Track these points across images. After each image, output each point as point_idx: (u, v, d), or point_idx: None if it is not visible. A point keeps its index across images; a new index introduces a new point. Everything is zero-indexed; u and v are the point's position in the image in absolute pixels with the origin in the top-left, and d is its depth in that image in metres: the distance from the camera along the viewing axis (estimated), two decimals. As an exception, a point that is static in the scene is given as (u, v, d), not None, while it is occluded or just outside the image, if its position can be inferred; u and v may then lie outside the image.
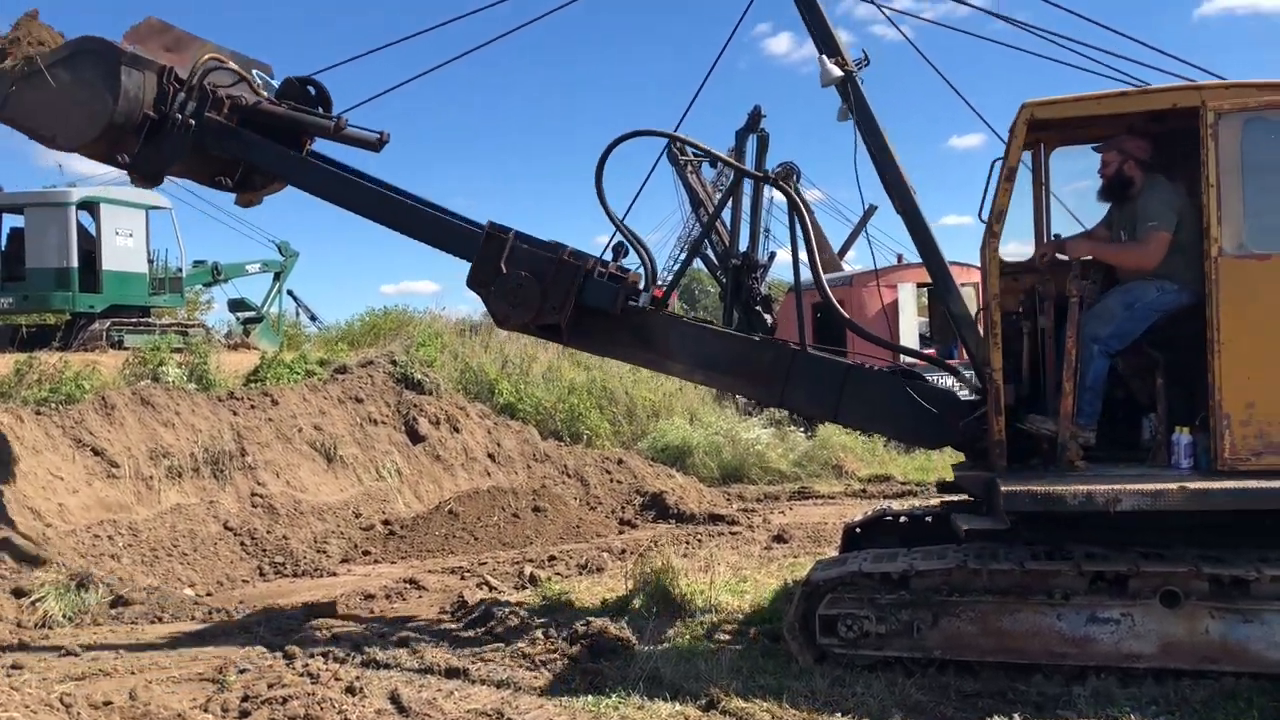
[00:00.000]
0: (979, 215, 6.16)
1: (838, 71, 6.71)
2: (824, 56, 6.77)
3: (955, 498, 7.09)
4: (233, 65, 7.81)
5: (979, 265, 6.25)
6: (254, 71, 8.01)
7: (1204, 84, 5.68)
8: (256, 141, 7.55)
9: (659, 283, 6.97)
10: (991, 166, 6.02)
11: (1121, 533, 5.56)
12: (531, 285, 6.80)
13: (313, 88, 7.77)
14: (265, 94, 7.87)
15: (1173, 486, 5.22)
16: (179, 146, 7.46)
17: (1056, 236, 6.49)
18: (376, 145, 7.77)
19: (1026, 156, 6.39)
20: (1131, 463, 5.87)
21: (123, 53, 7.24)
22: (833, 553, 7.96)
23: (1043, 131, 6.30)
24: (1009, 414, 5.87)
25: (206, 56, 7.63)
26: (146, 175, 7.65)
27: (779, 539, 10.55)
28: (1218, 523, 5.47)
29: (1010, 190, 5.80)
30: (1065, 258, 6.08)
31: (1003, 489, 5.37)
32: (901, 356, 8.27)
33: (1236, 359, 5.31)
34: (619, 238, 6.96)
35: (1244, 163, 5.36)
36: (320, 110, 7.71)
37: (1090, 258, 6.06)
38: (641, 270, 7.12)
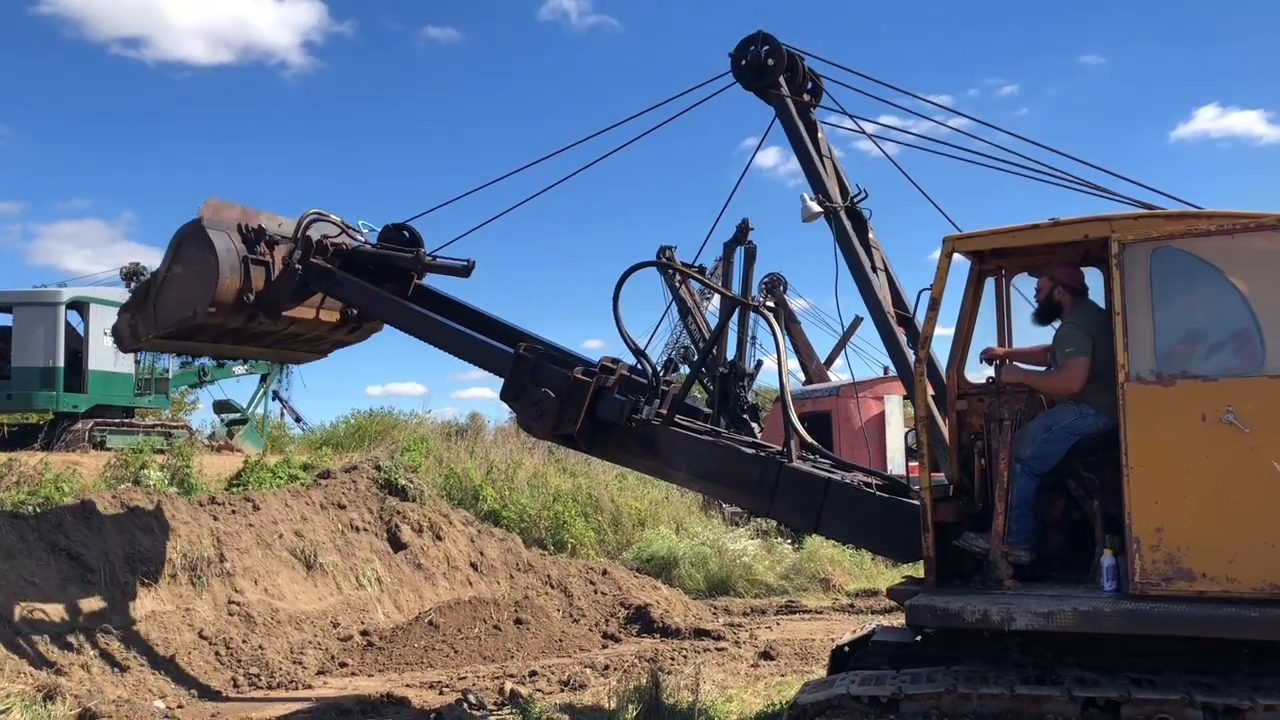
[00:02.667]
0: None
1: (817, 208, 7.16)
2: (805, 195, 7.12)
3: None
4: (334, 219, 9.12)
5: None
6: (360, 222, 9.36)
7: (1113, 215, 5.83)
8: (344, 280, 8.65)
9: (661, 392, 7.21)
10: (918, 295, 6.15)
11: (1115, 657, 5.49)
12: (550, 401, 7.33)
13: (406, 232, 9.09)
14: (364, 239, 9.18)
15: (1065, 608, 5.26)
16: (288, 287, 8.81)
17: (985, 351, 6.60)
18: (464, 272, 8.92)
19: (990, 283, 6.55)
20: (1070, 584, 5.86)
21: (201, 219, 8.71)
22: (821, 672, 7.82)
23: (1002, 259, 6.47)
24: (955, 531, 5.97)
25: (310, 213, 8.97)
26: (270, 314, 8.94)
27: (766, 656, 10.37)
28: (1207, 649, 5.41)
29: (935, 318, 5.95)
30: (1009, 378, 6.22)
31: (907, 603, 5.53)
32: (889, 467, 8.33)
33: (1145, 484, 5.32)
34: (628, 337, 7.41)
35: (1152, 291, 5.45)
36: (414, 249, 8.99)
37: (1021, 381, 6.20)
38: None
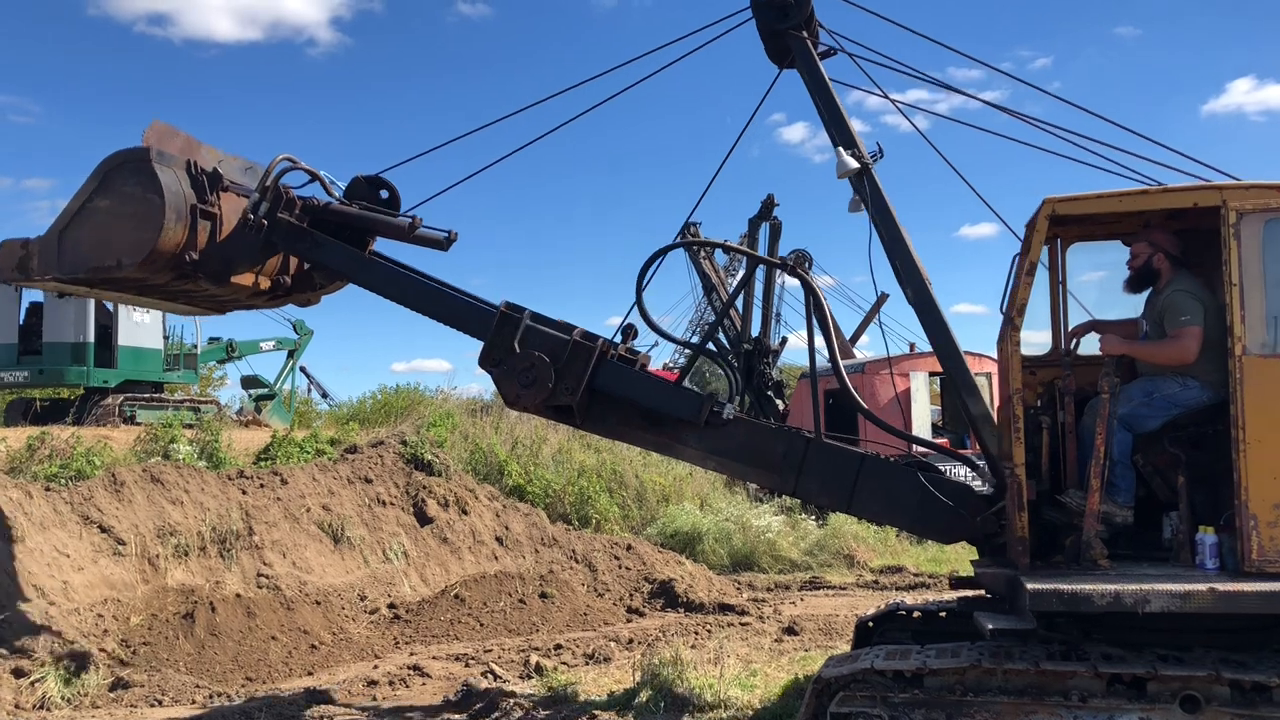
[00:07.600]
0: (1000, 307, 6.14)
1: (854, 164, 6.67)
2: (841, 149, 6.76)
3: (971, 593, 6.96)
4: (305, 166, 7.77)
5: (994, 356, 6.23)
6: (322, 173, 7.91)
7: (1224, 184, 5.68)
8: (326, 242, 7.48)
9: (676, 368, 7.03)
10: (1013, 261, 6.01)
11: (1139, 633, 5.44)
12: (545, 366, 6.67)
13: (385, 190, 7.70)
14: (336, 194, 7.82)
15: (1202, 588, 5.07)
16: (250, 245, 7.49)
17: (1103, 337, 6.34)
18: (445, 245, 7.73)
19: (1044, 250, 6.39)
20: (1155, 562, 5.75)
21: (149, 150, 7.20)
22: (845, 647, 7.82)
23: (1061, 227, 6.32)
24: (1030, 509, 5.74)
25: (281, 158, 7.59)
26: (211, 274, 7.51)
27: (790, 631, 10.38)
28: (1235, 626, 5.36)
29: (1030, 284, 5.75)
30: (1099, 352, 6.01)
31: (1029, 588, 5.21)
32: (914, 446, 8.20)
33: (1263, 459, 5.22)
34: (629, 320, 7.00)
35: (1266, 263, 5.35)
36: (391, 210, 7.67)
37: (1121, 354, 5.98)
38: (649, 353, 7.12)
